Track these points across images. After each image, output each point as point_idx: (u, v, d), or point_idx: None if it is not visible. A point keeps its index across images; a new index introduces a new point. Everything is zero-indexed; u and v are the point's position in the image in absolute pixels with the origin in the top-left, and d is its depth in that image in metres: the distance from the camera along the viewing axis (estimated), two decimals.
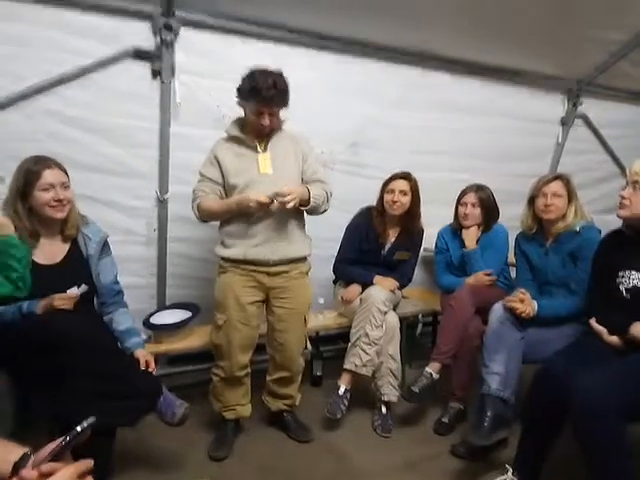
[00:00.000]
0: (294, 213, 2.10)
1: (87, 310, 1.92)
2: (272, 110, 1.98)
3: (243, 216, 2.03)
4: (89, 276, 1.91)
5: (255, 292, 2.11)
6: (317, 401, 2.52)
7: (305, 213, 2.17)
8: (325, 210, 2.17)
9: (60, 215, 1.81)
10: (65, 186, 1.82)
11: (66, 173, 1.84)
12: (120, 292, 2.04)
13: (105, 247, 2.00)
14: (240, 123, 2.09)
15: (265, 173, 2.04)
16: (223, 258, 2.11)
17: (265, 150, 2.06)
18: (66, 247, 1.90)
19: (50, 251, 1.86)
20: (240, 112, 2.07)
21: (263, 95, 1.90)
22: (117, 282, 2.04)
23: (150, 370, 1.90)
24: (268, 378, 2.29)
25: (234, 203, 1.98)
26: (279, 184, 1.95)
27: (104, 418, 1.61)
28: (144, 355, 1.94)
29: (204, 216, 2.10)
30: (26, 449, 0.90)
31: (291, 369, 2.24)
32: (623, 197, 1.79)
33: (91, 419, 0.87)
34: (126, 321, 2.00)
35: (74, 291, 1.79)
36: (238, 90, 1.99)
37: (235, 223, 2.06)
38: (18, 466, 0.86)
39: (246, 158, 2.05)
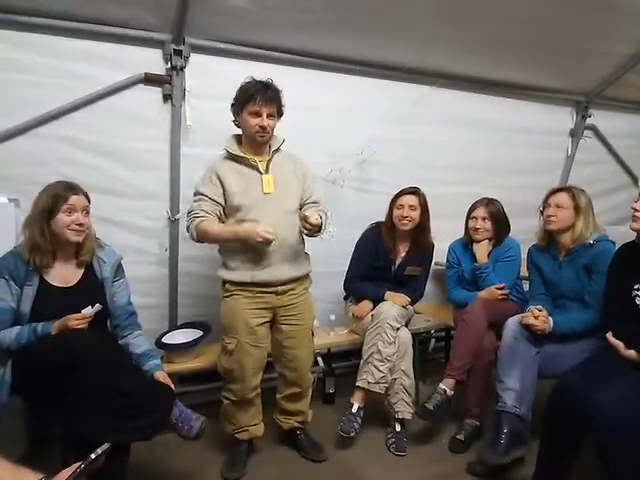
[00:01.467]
0: (294, 233, 2.10)
1: (101, 330, 1.93)
2: (269, 109, 1.98)
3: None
4: (103, 298, 1.93)
5: (263, 313, 2.10)
6: (330, 419, 2.51)
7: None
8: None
9: (77, 239, 1.85)
10: (86, 212, 1.88)
11: (89, 200, 1.91)
12: (134, 313, 2.06)
13: (119, 269, 2.03)
14: (238, 140, 2.11)
15: (269, 193, 2.05)
16: (228, 281, 2.10)
17: (267, 171, 2.07)
18: (80, 271, 1.93)
19: (65, 273, 1.89)
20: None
21: (258, 90, 1.95)
22: (130, 303, 2.05)
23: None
24: (278, 396, 2.28)
25: (241, 231, 1.95)
26: (282, 204, 2.02)
27: (120, 435, 1.64)
28: (163, 376, 1.95)
29: (203, 238, 2.03)
30: (40, 476, 0.88)
31: (301, 385, 2.23)
32: (636, 210, 1.78)
33: (105, 445, 0.87)
34: (143, 344, 2.01)
35: (88, 310, 1.80)
36: (232, 105, 2.04)
37: (240, 246, 2.03)
38: None
39: (248, 177, 2.05)
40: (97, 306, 1.84)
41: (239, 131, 2.12)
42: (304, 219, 1.94)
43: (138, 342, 2.00)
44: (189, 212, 2.06)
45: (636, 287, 1.81)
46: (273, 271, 2.05)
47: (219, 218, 2.06)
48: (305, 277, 2.21)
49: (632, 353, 1.77)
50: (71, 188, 1.85)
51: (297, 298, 2.15)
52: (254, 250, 2.01)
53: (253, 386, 2.13)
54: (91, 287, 1.93)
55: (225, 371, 2.13)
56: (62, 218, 1.81)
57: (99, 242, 2.00)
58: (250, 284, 2.05)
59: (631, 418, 1.48)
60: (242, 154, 2.06)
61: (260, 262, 2.04)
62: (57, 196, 1.81)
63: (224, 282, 2.12)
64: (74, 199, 1.83)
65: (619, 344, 1.81)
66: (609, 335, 1.86)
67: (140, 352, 1.98)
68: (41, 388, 1.70)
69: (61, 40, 2.12)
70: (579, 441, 1.77)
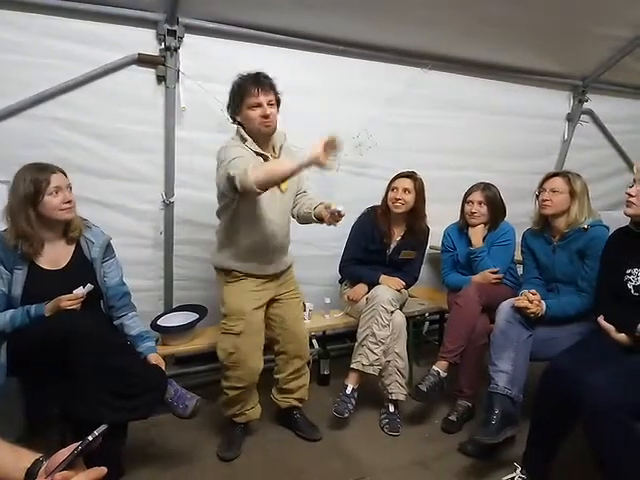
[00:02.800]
0: (289, 226, 2.21)
1: (94, 311, 1.95)
2: (267, 96, 1.94)
3: (257, 233, 2.04)
4: (94, 279, 1.93)
5: (265, 295, 2.17)
6: (325, 400, 2.54)
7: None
8: None
9: (69, 216, 1.85)
10: (70, 188, 1.87)
11: (66, 176, 1.88)
12: (127, 294, 2.06)
13: (108, 249, 2.02)
14: (243, 139, 1.99)
15: (284, 191, 2.08)
16: (235, 270, 2.11)
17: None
18: (70, 250, 1.92)
19: (55, 255, 1.88)
20: None
21: (252, 82, 1.93)
22: (123, 284, 2.05)
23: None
24: (279, 376, 2.30)
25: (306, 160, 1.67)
26: (286, 201, 2.14)
27: (116, 414, 1.66)
28: (156, 359, 1.97)
29: (264, 182, 1.72)
30: (38, 455, 0.90)
31: (304, 356, 2.31)
32: (630, 195, 1.79)
33: (103, 427, 0.87)
34: (137, 325, 2.02)
35: (80, 291, 1.81)
36: (229, 106, 2.01)
37: (249, 240, 2.05)
38: (31, 472, 0.86)
39: None
40: (88, 286, 1.84)
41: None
42: (329, 210, 1.97)
43: (133, 324, 2.01)
44: (229, 176, 1.79)
45: (628, 272, 1.83)
46: (279, 265, 2.18)
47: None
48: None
49: (623, 336, 1.79)
50: (47, 168, 1.81)
51: (288, 275, 2.28)
52: (260, 246, 2.07)
53: (260, 368, 2.16)
54: (81, 268, 1.92)
55: (227, 356, 2.10)
56: (50, 201, 1.78)
57: (86, 223, 1.98)
58: (257, 275, 2.12)
59: (623, 401, 1.50)
60: (263, 152, 2.00)
61: (266, 257, 2.12)
62: (38, 180, 1.76)
63: (228, 270, 2.13)
64: (55, 178, 1.80)
65: (610, 327, 1.84)
66: (600, 319, 1.89)
67: (135, 334, 1.99)
68: (37, 369, 1.71)
69: (54, 20, 2.09)
70: (569, 422, 1.80)
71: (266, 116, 1.94)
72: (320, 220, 2.08)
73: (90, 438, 0.86)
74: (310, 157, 1.64)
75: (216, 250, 2.19)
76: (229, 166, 1.81)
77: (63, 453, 0.87)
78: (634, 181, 1.80)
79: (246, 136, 1.99)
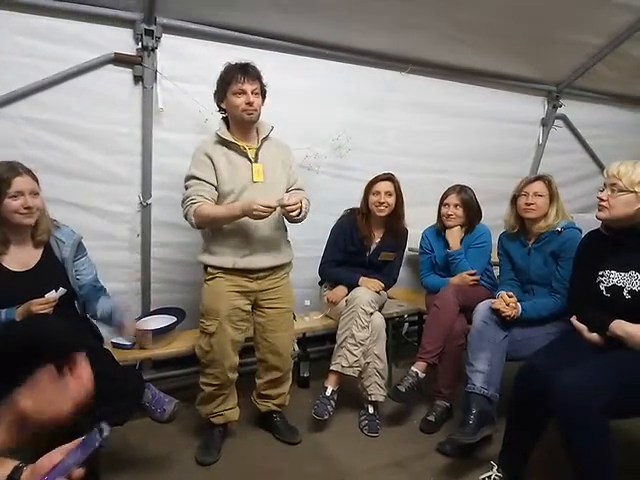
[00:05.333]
0: (279, 222, 2.13)
1: (67, 314, 1.90)
2: (252, 85, 1.96)
3: (234, 225, 2.01)
4: (66, 279, 1.90)
5: (244, 297, 2.11)
6: (304, 402, 2.54)
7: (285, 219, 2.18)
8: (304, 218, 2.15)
9: (28, 221, 1.80)
10: (34, 193, 1.81)
11: (36, 180, 1.83)
12: (102, 288, 2.04)
13: (80, 248, 2.00)
14: (226, 125, 2.08)
15: (257, 182, 2.05)
16: (210, 265, 2.09)
17: (257, 160, 2.05)
18: (38, 252, 1.88)
19: (22, 257, 1.84)
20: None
21: (238, 70, 1.95)
22: (97, 280, 2.04)
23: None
24: (259, 381, 2.29)
25: (238, 209, 1.89)
26: (270, 191, 1.99)
27: (94, 419, 1.62)
28: (128, 323, 1.94)
29: (203, 223, 1.98)
30: (17, 462, 0.88)
31: (283, 369, 2.26)
32: (602, 199, 1.82)
33: (106, 428, 0.86)
34: (109, 302, 1.98)
35: (52, 295, 1.78)
36: (215, 93, 2.03)
37: (225, 233, 2.04)
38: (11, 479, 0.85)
39: (238, 165, 2.03)
40: (61, 290, 1.81)
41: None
42: (282, 203, 1.90)
43: (104, 302, 1.98)
44: (185, 199, 1.99)
45: (600, 273, 1.87)
46: (255, 260, 2.07)
47: (215, 202, 2.02)
48: (287, 264, 2.23)
49: (595, 336, 1.84)
50: (13, 169, 1.76)
51: (278, 282, 2.18)
52: (238, 238, 2.03)
53: (235, 365, 2.15)
54: (51, 268, 1.89)
55: (204, 354, 2.12)
56: (9, 203, 1.74)
57: (56, 223, 1.95)
58: (232, 270, 2.06)
59: (593, 399, 1.52)
60: (234, 140, 2.03)
61: (243, 250, 2.05)
62: (0, 180, 1.73)
63: (206, 266, 2.11)
64: (18, 182, 1.75)
65: (583, 327, 1.89)
66: (573, 319, 1.93)
67: (108, 307, 1.95)
68: (11, 376, 1.66)
69: (29, 18, 2.04)
70: (543, 421, 1.83)
71: (249, 103, 1.96)
72: (292, 217, 2.03)
73: (97, 444, 0.84)
74: (243, 205, 1.88)
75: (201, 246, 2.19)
76: (186, 193, 2.00)
77: (53, 456, 0.85)
78: (604, 185, 1.84)
79: (222, 125, 2.04)
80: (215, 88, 2.04)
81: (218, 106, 2.07)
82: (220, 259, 2.06)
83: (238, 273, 2.07)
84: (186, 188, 2.03)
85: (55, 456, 0.85)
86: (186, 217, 2.01)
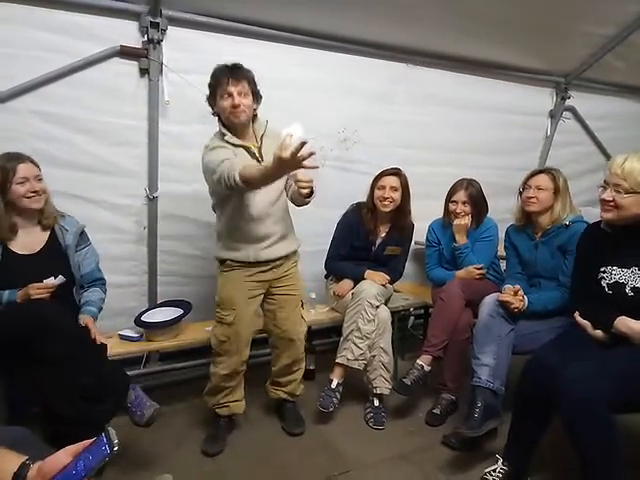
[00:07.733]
0: (286, 211, 2.16)
1: (66, 300, 1.95)
2: (237, 87, 1.92)
3: (242, 219, 2.02)
4: (67, 266, 1.96)
5: (260, 287, 2.16)
6: (310, 395, 2.54)
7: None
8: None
9: (36, 205, 1.90)
10: (39, 178, 1.91)
11: (38, 167, 1.93)
12: (101, 279, 2.10)
13: (83, 237, 2.07)
14: (223, 131, 2.03)
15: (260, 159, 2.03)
16: (229, 259, 2.10)
17: (262, 159, 2.02)
18: (45, 236, 1.97)
19: (29, 241, 1.93)
20: None
21: (223, 72, 1.94)
22: (99, 270, 2.10)
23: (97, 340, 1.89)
24: (274, 368, 2.34)
25: (270, 167, 1.64)
26: (276, 185, 1.97)
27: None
28: (87, 322, 1.93)
29: (248, 181, 1.75)
30: (24, 458, 0.89)
31: (293, 355, 2.29)
32: (607, 200, 1.78)
33: (114, 437, 0.86)
34: (92, 295, 2.05)
35: (51, 281, 1.83)
36: (208, 98, 2.01)
37: (242, 228, 2.05)
38: (18, 476, 0.85)
39: (247, 161, 1.99)
40: (60, 278, 1.86)
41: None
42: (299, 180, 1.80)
43: (89, 294, 2.04)
44: (219, 178, 1.82)
45: (602, 269, 1.85)
46: (273, 250, 2.12)
47: None
48: (295, 251, 2.27)
49: (599, 333, 1.82)
50: (16, 157, 1.87)
51: (289, 270, 2.22)
52: (255, 231, 2.06)
53: (246, 358, 2.18)
54: (55, 254, 1.97)
55: (219, 344, 2.14)
56: (17, 189, 1.84)
57: (60, 213, 2.03)
58: (251, 263, 2.09)
59: (598, 394, 1.52)
60: (242, 143, 2.00)
61: (262, 242, 2.08)
62: (5, 169, 1.83)
63: (223, 260, 2.13)
64: (23, 168, 1.85)
65: (586, 324, 1.87)
66: (577, 315, 1.91)
67: (84, 301, 2.02)
68: (8, 363, 1.68)
69: (35, 10, 2.04)
70: (548, 415, 1.82)
71: (235, 106, 1.93)
72: (303, 195, 1.87)
73: (115, 448, 0.84)
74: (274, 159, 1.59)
75: (215, 242, 2.19)
76: (217, 169, 1.84)
77: (60, 456, 0.85)
78: (606, 183, 1.79)
79: (224, 130, 2.01)
80: (208, 91, 2.01)
81: (212, 108, 2.03)
82: (241, 253, 2.08)
83: (256, 264, 2.10)
84: (216, 173, 1.85)
85: (62, 457, 0.85)
86: (228, 185, 1.80)
